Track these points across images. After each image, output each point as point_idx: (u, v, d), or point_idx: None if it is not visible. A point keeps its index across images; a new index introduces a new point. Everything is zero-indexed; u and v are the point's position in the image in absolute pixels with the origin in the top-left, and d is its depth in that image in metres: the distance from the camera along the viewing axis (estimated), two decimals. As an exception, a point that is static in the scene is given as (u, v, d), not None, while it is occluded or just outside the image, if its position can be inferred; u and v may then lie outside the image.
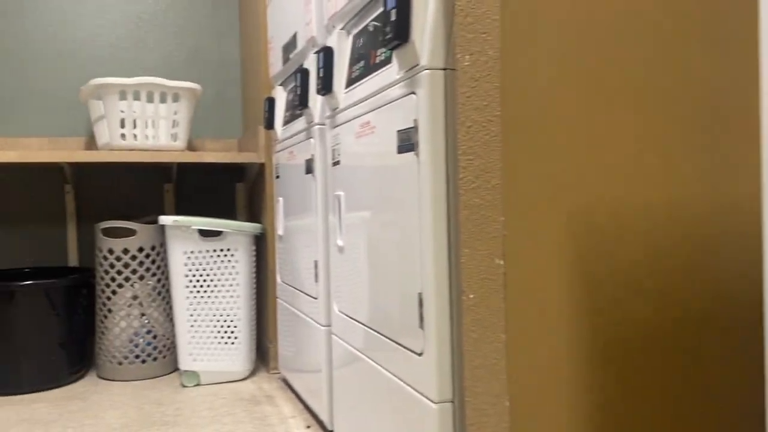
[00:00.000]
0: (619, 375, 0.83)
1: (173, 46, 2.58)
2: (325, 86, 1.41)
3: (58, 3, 2.44)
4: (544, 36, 0.80)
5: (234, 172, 2.62)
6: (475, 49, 0.83)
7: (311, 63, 1.61)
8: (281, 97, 1.99)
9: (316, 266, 1.59)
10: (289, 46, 1.80)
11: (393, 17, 1.00)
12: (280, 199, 1.97)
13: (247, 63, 2.51)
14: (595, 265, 0.81)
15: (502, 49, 0.78)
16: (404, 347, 1.06)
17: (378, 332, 1.18)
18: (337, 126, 1.40)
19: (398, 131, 1.06)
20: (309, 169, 1.64)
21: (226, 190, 2.63)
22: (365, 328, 1.25)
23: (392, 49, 1.04)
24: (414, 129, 1.00)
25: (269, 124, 2.01)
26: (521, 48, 0.79)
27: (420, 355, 1.00)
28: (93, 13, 2.48)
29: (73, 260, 2.43)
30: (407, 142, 1.03)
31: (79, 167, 2.42)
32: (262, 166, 2.21)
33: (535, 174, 0.79)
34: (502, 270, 0.78)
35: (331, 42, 1.44)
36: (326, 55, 1.40)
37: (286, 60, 1.85)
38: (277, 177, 2.02)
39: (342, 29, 1.40)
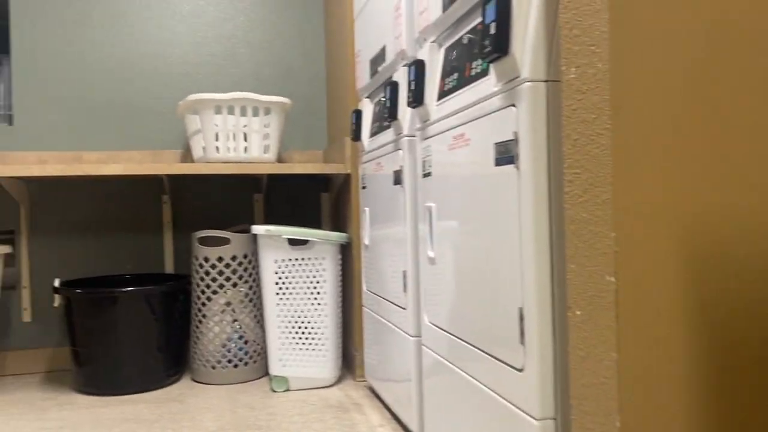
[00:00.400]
0: (740, 400, 0.79)
1: (262, 60, 2.67)
2: (417, 99, 1.42)
3: (158, 24, 2.57)
4: (659, 47, 0.77)
5: (319, 182, 2.68)
6: (582, 61, 0.82)
7: (401, 76, 1.63)
8: (368, 110, 2.02)
9: (404, 276, 1.60)
10: (378, 59, 1.82)
11: (492, 30, 1.00)
12: (367, 209, 2.00)
13: (332, 76, 2.56)
14: (716, 284, 0.78)
15: (612, 61, 0.77)
16: (503, 362, 1.05)
17: (473, 345, 1.17)
18: (428, 138, 1.41)
19: (496, 144, 1.06)
20: (397, 180, 1.65)
21: (311, 199, 2.69)
22: (459, 340, 1.24)
23: (491, 61, 1.04)
24: (514, 141, 1.00)
25: (356, 136, 2.04)
26: (634, 60, 0.77)
27: (521, 370, 0.99)
28: (189, 33, 2.60)
29: (169, 267, 2.55)
30: (506, 155, 1.03)
31: (175, 178, 2.54)
32: (347, 176, 2.25)
33: (649, 188, 0.77)
34: (614, 287, 0.76)
35: (422, 55, 1.45)
36: (418, 67, 1.42)
37: (373, 73, 1.88)
38: (364, 187, 2.05)
39: (433, 42, 1.41)
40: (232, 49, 2.65)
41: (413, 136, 1.57)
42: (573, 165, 0.84)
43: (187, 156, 2.57)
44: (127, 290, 2.11)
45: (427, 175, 1.42)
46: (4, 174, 2.00)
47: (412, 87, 1.43)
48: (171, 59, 2.59)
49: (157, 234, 2.56)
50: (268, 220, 2.64)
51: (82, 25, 2.51)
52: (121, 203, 2.54)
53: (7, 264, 2.35)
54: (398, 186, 1.65)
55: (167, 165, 2.10)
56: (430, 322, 1.43)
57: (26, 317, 2.43)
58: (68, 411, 1.94)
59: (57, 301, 2.15)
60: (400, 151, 1.62)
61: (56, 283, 2.17)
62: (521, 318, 0.98)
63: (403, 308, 1.62)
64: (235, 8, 2.65)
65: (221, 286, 2.19)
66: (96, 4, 2.52)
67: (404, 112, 1.61)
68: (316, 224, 2.68)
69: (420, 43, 1.49)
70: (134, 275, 2.47)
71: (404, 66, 1.62)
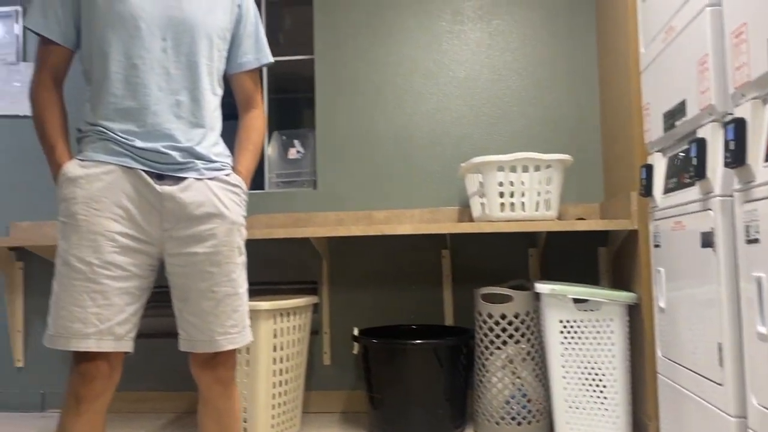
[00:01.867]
0: None
1: (533, 117, 2.71)
2: (737, 159, 1.32)
3: (437, 91, 2.77)
4: None
5: (597, 236, 2.60)
6: None
7: (708, 132, 1.53)
8: (660, 164, 1.92)
9: (720, 349, 1.47)
10: (675, 113, 1.74)
11: None
12: (661, 269, 1.88)
13: (610, 129, 2.50)
14: None
15: None
16: None
17: (833, 442, 1.03)
18: (753, 201, 1.29)
19: None
20: (707, 242, 1.54)
21: (587, 253, 2.62)
22: (809, 432, 1.10)
23: None
24: None
25: (647, 191, 1.95)
26: None
27: None
28: (464, 96, 2.76)
29: (449, 319, 2.66)
30: None
31: (455, 234, 2.67)
32: (632, 232, 2.16)
33: None
34: None
35: (741, 112, 1.34)
36: (738, 126, 1.32)
37: (668, 127, 1.79)
38: (657, 246, 1.94)
39: (756, 99, 1.30)
40: (504, 108, 2.73)
41: (729, 197, 1.45)
42: None
43: (463, 212, 2.69)
44: (418, 342, 2.25)
45: (753, 241, 1.30)
46: (316, 234, 2.30)
47: (732, 147, 1.33)
48: (447, 122, 2.76)
49: (436, 286, 2.71)
50: (543, 275, 2.64)
51: (373, 98, 2.81)
52: (406, 257, 2.74)
53: (312, 311, 2.67)
54: (708, 249, 1.53)
55: (453, 224, 2.22)
56: (760, 405, 1.29)
57: (326, 360, 2.73)
58: (369, 453, 2.12)
59: (356, 348, 2.38)
60: (710, 212, 1.51)
61: (355, 331, 2.40)
62: None
63: (719, 384, 1.48)
64: (509, 68, 2.74)
65: (504, 343, 2.22)
66: (386, 78, 2.81)
67: (714, 170, 1.50)
68: (592, 279, 2.60)
69: (736, 99, 1.39)
70: (418, 326, 2.63)
71: (711, 122, 1.52)
